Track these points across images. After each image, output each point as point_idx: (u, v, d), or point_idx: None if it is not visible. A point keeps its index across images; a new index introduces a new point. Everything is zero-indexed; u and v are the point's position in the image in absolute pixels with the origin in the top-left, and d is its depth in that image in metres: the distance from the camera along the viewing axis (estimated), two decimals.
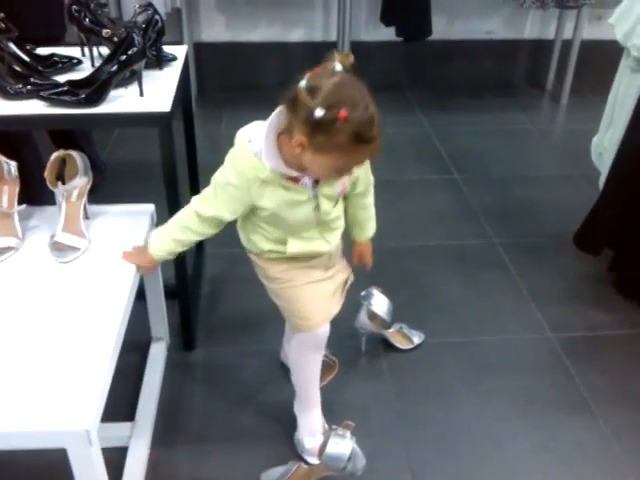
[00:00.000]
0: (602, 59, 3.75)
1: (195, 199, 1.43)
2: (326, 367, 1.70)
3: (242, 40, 3.82)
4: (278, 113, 1.30)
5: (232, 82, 3.86)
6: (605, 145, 2.36)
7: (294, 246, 1.45)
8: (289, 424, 1.74)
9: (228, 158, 1.36)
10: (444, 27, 3.79)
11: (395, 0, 3.46)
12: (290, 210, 1.37)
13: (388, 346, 2.01)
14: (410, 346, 2.01)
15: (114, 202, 1.77)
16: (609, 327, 2.12)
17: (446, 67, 3.93)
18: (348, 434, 1.46)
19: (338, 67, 1.22)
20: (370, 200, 1.56)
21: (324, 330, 1.56)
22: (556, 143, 3.47)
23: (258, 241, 1.47)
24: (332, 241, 1.50)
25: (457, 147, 3.30)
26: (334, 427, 1.48)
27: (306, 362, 1.64)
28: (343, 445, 1.44)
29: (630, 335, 2.09)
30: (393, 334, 2.01)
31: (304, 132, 1.21)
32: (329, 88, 1.18)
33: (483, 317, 2.16)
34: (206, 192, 1.41)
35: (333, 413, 1.75)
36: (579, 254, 2.32)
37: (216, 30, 3.79)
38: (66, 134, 2.50)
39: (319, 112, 1.17)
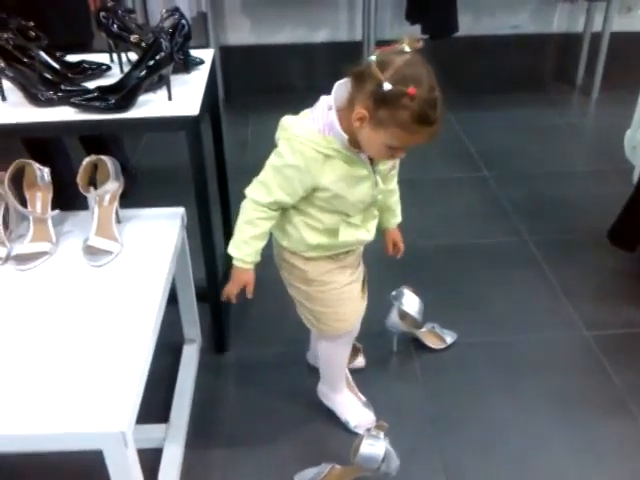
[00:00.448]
0: (633, 51, 3.70)
1: (249, 191, 1.40)
2: (352, 350, 1.78)
3: (268, 42, 3.84)
4: (338, 88, 1.32)
5: (259, 85, 3.88)
6: (639, 139, 2.32)
7: (345, 234, 1.44)
8: (322, 425, 1.74)
9: (283, 142, 1.34)
10: (470, 23, 3.76)
11: None
12: (352, 187, 1.36)
13: (420, 346, 1.99)
14: (442, 346, 1.99)
15: (145, 206, 1.79)
16: None
17: (473, 63, 3.89)
18: (382, 435, 1.45)
19: (407, 49, 1.23)
20: (396, 184, 1.56)
21: (357, 326, 1.63)
22: (587, 138, 3.42)
23: (307, 236, 1.44)
24: (372, 230, 1.50)
25: (486, 144, 3.27)
26: (368, 428, 1.47)
27: (339, 356, 1.69)
28: (377, 446, 1.44)
29: None
30: (425, 333, 1.99)
31: (367, 106, 1.23)
32: (400, 64, 1.20)
33: (516, 316, 2.13)
34: (260, 179, 1.38)
35: None
36: (613, 250, 2.28)
37: (242, 33, 3.81)
38: (96, 139, 2.54)
39: (387, 86, 1.19)
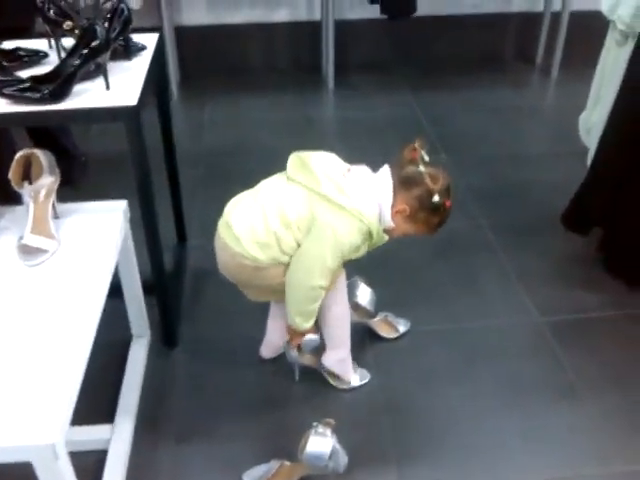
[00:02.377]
0: (592, 31, 3.67)
1: (312, 279, 1.52)
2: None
3: (225, 22, 3.74)
4: (388, 187, 1.51)
5: (215, 66, 3.79)
6: (593, 121, 2.31)
7: None
8: (273, 420, 1.72)
9: (347, 217, 1.47)
10: (430, 3, 3.70)
11: None
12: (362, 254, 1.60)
13: (374, 336, 1.98)
14: (395, 335, 1.98)
15: (94, 197, 1.72)
16: (598, 309, 2.09)
17: (434, 44, 3.85)
18: (329, 432, 1.44)
19: (426, 157, 1.50)
20: None
21: (343, 272, 1.73)
22: (546, 120, 3.41)
23: None
24: None
25: (446, 126, 3.24)
26: (314, 424, 1.46)
27: (340, 304, 1.73)
28: (324, 443, 1.42)
29: (619, 316, 2.06)
30: (378, 323, 1.98)
31: (411, 205, 1.50)
32: (444, 180, 1.50)
33: (470, 302, 2.13)
34: (319, 265, 1.51)
35: (317, 407, 1.74)
36: (567, 234, 2.29)
37: (197, 13, 3.71)
38: (42, 128, 2.44)
39: (437, 197, 1.47)
